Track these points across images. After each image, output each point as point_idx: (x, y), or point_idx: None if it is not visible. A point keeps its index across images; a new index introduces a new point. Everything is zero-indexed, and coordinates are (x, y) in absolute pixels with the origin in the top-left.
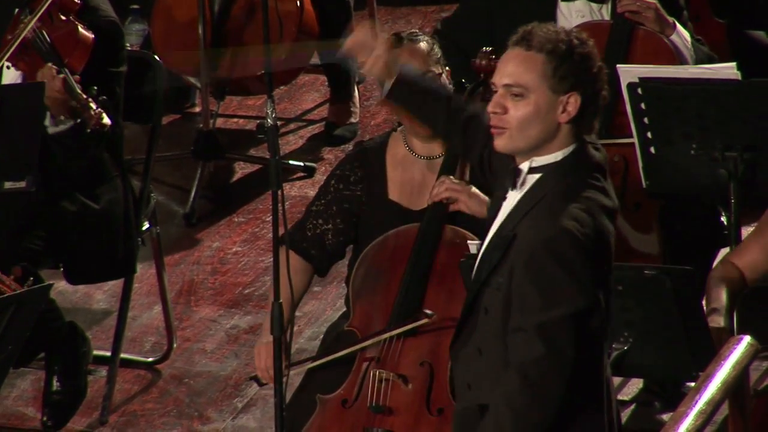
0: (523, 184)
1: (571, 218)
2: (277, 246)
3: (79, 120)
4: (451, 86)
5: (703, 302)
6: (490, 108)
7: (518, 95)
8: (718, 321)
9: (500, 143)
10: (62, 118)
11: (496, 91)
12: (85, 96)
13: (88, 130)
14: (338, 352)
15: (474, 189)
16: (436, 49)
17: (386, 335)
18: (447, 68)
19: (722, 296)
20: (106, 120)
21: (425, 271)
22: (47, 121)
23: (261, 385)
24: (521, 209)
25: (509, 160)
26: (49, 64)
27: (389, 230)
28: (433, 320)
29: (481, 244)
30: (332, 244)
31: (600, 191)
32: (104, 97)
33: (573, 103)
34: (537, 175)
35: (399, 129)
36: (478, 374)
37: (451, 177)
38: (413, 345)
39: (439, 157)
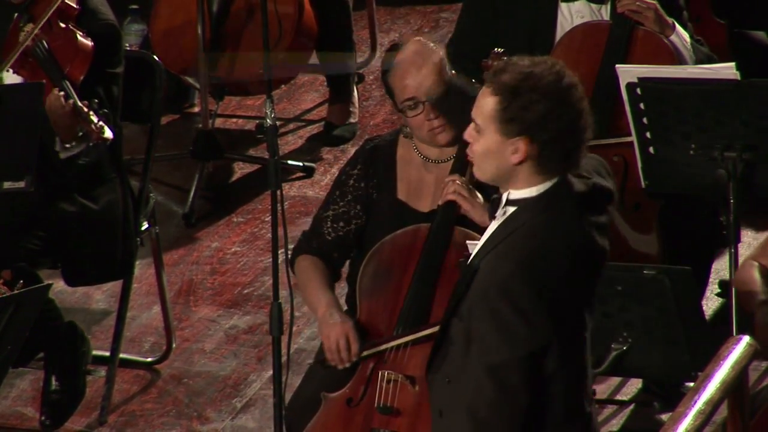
0: (504, 214)
1: (530, 257)
2: (277, 252)
3: (81, 134)
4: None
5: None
6: (464, 135)
7: (478, 131)
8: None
9: (475, 172)
10: (73, 143)
11: None
12: (86, 109)
13: (90, 144)
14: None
15: (480, 198)
16: (445, 58)
17: (413, 336)
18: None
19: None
20: (108, 134)
21: (435, 271)
22: (57, 147)
23: (326, 368)
24: (491, 243)
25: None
26: (58, 91)
27: (395, 229)
28: None
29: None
30: (353, 243)
31: (578, 225)
32: (105, 110)
33: (522, 147)
34: (513, 209)
35: (406, 135)
36: (448, 403)
37: (462, 178)
38: (421, 347)
39: (449, 160)
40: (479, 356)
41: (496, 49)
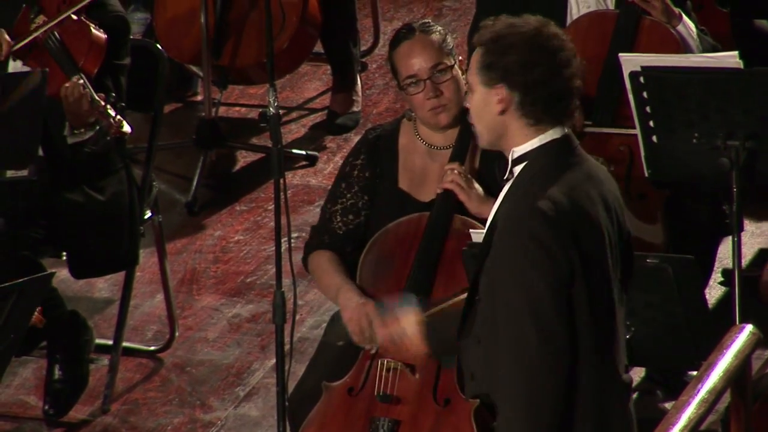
0: (511, 173)
1: (545, 198)
2: (280, 240)
3: (98, 127)
4: (464, 78)
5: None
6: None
7: (469, 90)
8: None
9: (479, 142)
10: (82, 130)
11: None
12: (103, 103)
13: (108, 138)
14: None
15: (477, 187)
16: (449, 39)
17: (447, 304)
18: (459, 58)
19: None
20: (127, 128)
21: (434, 259)
22: (65, 131)
23: (355, 349)
24: (507, 198)
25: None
26: (77, 80)
27: (395, 219)
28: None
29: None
30: (363, 235)
31: (580, 172)
32: (123, 104)
33: (501, 95)
34: (519, 167)
35: (409, 118)
36: (479, 363)
37: (461, 166)
38: None
39: (449, 147)
40: (509, 295)
41: None
